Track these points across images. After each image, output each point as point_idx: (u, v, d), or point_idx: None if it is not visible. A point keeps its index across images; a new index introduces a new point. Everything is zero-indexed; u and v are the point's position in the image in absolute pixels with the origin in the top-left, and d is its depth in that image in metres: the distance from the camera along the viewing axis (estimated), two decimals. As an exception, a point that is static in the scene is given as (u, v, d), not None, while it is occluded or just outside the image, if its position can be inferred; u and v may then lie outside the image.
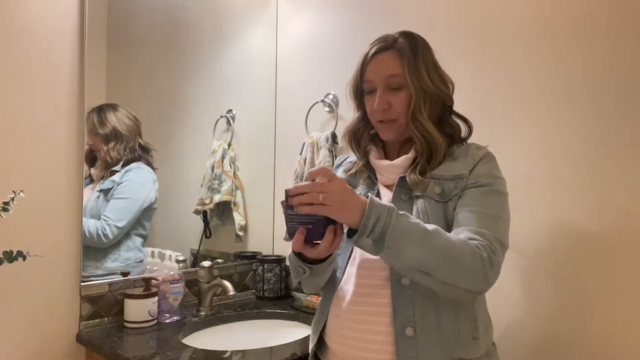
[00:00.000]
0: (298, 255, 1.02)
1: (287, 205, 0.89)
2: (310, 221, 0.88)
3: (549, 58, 1.36)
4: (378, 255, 0.89)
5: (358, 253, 1.05)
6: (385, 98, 1.05)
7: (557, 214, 1.34)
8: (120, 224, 1.67)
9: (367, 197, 0.89)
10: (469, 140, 1.11)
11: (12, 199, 1.20)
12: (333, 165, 1.34)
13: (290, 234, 0.91)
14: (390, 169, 1.09)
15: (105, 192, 1.66)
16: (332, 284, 1.09)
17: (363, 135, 1.15)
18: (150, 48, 1.87)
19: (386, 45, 1.07)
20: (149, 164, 1.81)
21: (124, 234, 1.71)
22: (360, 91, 1.12)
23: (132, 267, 1.73)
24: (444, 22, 1.59)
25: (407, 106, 1.05)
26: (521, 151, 1.40)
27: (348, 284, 1.04)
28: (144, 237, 1.79)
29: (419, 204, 1.01)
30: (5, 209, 1.19)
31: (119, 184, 1.69)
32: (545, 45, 1.37)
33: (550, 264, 1.34)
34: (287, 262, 1.14)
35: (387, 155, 1.14)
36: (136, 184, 1.73)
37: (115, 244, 1.69)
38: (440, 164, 1.04)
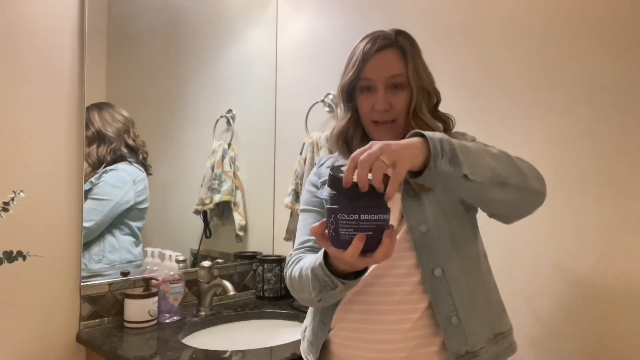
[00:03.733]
0: (327, 267, 0.89)
1: (338, 209, 0.77)
2: (371, 227, 0.76)
3: (544, 58, 1.36)
4: (457, 176, 0.80)
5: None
6: (387, 98, 1.02)
7: (557, 214, 1.34)
8: (87, 224, 1.63)
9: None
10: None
11: (12, 199, 1.20)
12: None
13: (341, 243, 0.78)
14: None
15: (86, 193, 1.63)
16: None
17: (354, 138, 1.09)
18: (150, 48, 1.87)
19: (388, 42, 1.03)
20: (140, 163, 1.78)
21: (107, 235, 1.68)
22: (353, 90, 1.06)
23: (117, 268, 1.70)
24: (444, 22, 1.59)
25: (407, 106, 1.02)
26: (521, 151, 1.40)
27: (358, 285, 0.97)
28: (135, 237, 1.77)
29: (430, 197, 0.99)
30: (5, 209, 1.19)
31: (95, 185, 1.67)
32: (540, 46, 1.37)
33: (551, 267, 1.34)
34: (295, 275, 0.99)
35: None
36: (109, 185, 1.70)
37: (99, 245, 1.68)
38: None
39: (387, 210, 0.78)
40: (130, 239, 1.75)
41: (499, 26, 1.46)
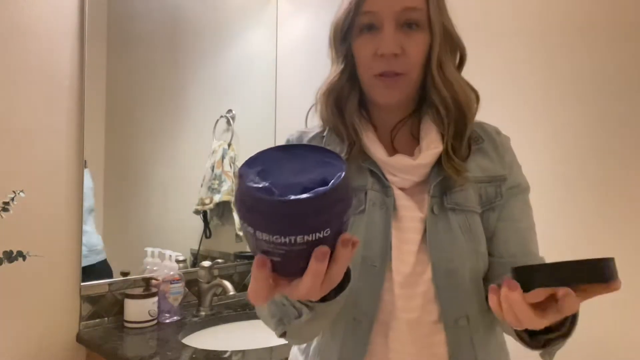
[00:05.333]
0: None
1: (240, 211, 0.47)
2: (277, 251, 0.46)
3: (551, 59, 1.36)
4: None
5: (395, 294, 0.74)
6: (397, 39, 0.72)
7: (558, 214, 1.34)
8: None
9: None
10: None
11: (12, 199, 1.20)
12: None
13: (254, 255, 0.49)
14: (415, 170, 0.76)
15: None
16: (355, 340, 0.75)
17: (348, 101, 0.79)
18: (150, 48, 1.87)
19: None
20: None
21: None
22: (349, 31, 0.76)
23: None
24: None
25: (424, 55, 0.74)
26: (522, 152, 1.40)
27: (384, 336, 0.76)
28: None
29: (460, 220, 0.75)
30: (5, 209, 1.19)
31: None
32: (548, 46, 1.37)
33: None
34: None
35: (379, 137, 0.80)
36: None
37: None
38: (469, 144, 0.78)
39: (315, 230, 0.45)
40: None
41: (500, 26, 1.46)
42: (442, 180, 0.76)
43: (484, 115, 1.45)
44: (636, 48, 1.22)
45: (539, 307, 0.56)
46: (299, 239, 0.45)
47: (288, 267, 0.48)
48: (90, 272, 1.63)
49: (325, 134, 0.84)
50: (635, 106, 1.22)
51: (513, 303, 0.55)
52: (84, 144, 1.61)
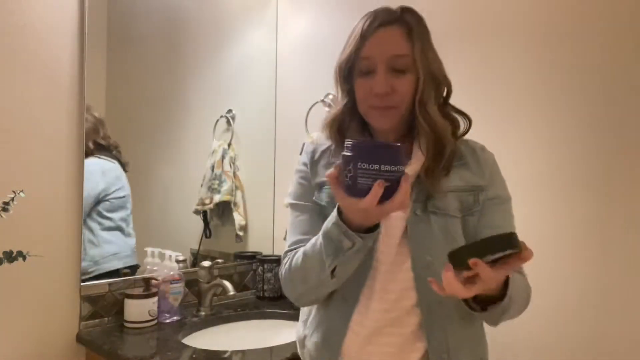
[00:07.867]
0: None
1: (359, 157, 0.74)
2: (390, 177, 0.73)
3: (544, 59, 1.36)
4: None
5: (377, 279, 0.93)
6: (388, 81, 0.90)
7: (555, 215, 1.34)
8: None
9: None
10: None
11: (12, 199, 1.20)
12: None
13: (358, 192, 0.74)
14: None
15: None
16: (340, 315, 0.95)
17: (350, 128, 0.98)
18: (150, 48, 1.87)
19: (392, 19, 0.92)
20: (114, 157, 1.74)
21: (84, 231, 1.62)
22: (351, 72, 0.96)
23: (101, 263, 1.67)
24: (445, 24, 1.59)
25: (411, 92, 0.91)
26: (517, 153, 1.40)
27: (364, 314, 0.93)
28: (119, 229, 1.73)
29: (439, 222, 0.92)
30: (5, 209, 1.19)
31: None
32: (540, 46, 1.37)
33: (549, 267, 1.34)
34: (297, 263, 0.92)
35: None
36: None
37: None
38: (449, 164, 0.94)
39: (404, 162, 0.77)
40: (113, 231, 1.72)
41: (499, 27, 1.46)
42: (425, 189, 0.93)
43: (480, 116, 1.45)
44: (632, 48, 1.22)
45: (470, 281, 0.73)
46: (400, 167, 0.75)
47: (391, 188, 0.74)
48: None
49: (331, 147, 1.04)
50: (631, 107, 1.22)
51: (448, 280, 0.73)
52: (84, 144, 1.61)
